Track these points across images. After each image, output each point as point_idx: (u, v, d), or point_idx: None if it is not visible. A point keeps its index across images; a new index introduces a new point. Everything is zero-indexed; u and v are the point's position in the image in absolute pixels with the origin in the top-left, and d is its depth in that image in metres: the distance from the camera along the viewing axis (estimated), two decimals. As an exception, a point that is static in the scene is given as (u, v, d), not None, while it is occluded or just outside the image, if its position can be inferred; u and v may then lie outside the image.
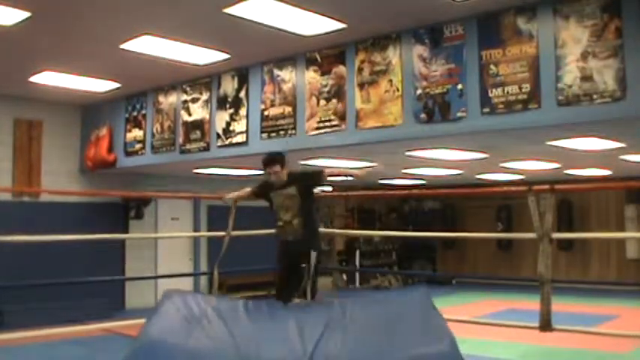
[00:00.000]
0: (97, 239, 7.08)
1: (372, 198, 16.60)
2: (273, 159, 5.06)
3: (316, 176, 5.07)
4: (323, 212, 15.48)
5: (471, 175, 12.74)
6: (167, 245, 12.20)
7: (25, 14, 6.00)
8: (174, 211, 12.43)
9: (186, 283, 12.06)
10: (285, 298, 4.86)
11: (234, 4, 5.77)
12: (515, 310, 10.60)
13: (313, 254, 4.86)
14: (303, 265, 4.84)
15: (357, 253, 15.62)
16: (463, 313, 9.38)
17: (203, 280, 12.40)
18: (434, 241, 16.94)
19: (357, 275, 15.58)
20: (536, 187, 4.15)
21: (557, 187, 4.01)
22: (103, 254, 10.43)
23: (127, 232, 11.35)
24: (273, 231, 5.48)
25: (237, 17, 6.08)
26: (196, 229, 12.61)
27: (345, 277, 15.63)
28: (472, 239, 16.24)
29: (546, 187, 4.01)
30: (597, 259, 14.55)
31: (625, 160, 9.87)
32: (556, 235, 4.19)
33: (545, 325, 3.92)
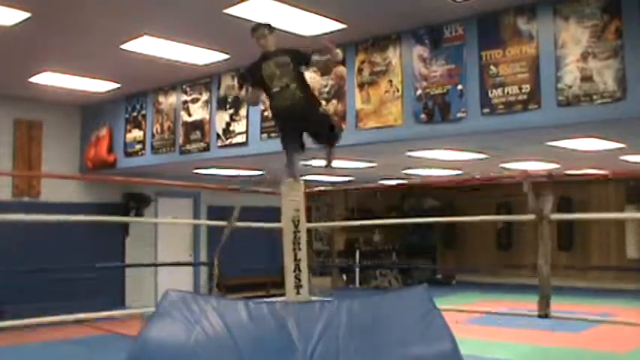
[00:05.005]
0: (99, 221, 7.09)
1: (371, 192, 16.60)
2: (260, 24, 4.48)
3: (307, 54, 4.47)
4: (323, 211, 15.50)
5: (471, 175, 12.74)
6: (167, 241, 12.20)
7: (25, 14, 6.00)
8: (174, 211, 12.43)
9: (187, 283, 12.09)
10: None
11: (234, 4, 5.78)
12: (516, 310, 10.58)
13: (320, 109, 4.51)
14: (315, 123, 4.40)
15: (357, 253, 15.62)
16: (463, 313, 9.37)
17: (203, 280, 12.41)
18: (434, 241, 16.95)
19: (357, 275, 15.57)
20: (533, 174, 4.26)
21: (555, 177, 4.13)
22: (103, 251, 10.45)
23: (127, 232, 11.36)
24: (276, 225, 5.45)
25: (237, 17, 6.09)
26: (196, 228, 12.62)
27: (344, 277, 15.63)
28: (472, 236, 16.27)
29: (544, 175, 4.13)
30: (597, 258, 14.55)
31: (625, 161, 9.86)
32: (555, 217, 4.23)
33: (544, 308, 3.97)
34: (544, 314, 4.01)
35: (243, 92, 4.72)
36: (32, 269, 8.97)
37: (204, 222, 12.40)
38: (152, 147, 9.45)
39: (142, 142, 9.63)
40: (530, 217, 4.22)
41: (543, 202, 4.07)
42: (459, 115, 6.17)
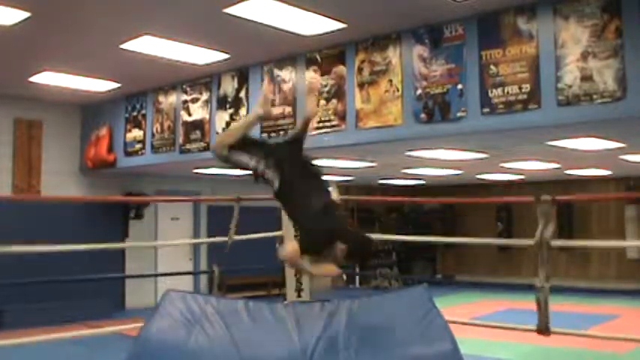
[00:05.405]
0: (95, 249, 7.07)
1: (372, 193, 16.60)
2: None
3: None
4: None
5: (471, 175, 12.75)
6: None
7: (25, 14, 6.00)
8: (174, 211, 12.43)
9: (187, 283, 12.06)
10: None
11: (234, 4, 5.77)
12: (515, 310, 10.59)
13: None
14: None
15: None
16: (463, 313, 9.38)
17: (203, 280, 12.40)
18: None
19: (357, 275, 15.56)
20: (541, 198, 4.19)
21: (559, 198, 4.08)
22: (103, 255, 10.40)
23: (126, 232, 11.34)
24: (275, 233, 5.46)
25: (237, 17, 6.08)
26: (196, 229, 12.61)
27: (344, 277, 15.61)
28: (472, 236, 16.21)
29: (548, 198, 4.06)
30: (597, 259, 14.54)
31: (625, 160, 9.87)
32: (555, 243, 4.20)
33: (544, 328, 3.96)
34: (545, 332, 4.01)
35: None
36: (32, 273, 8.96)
37: (203, 240, 12.03)
38: (152, 146, 9.45)
39: (142, 141, 9.63)
40: (530, 242, 4.18)
41: (545, 225, 4.02)
42: (458, 114, 6.17)
